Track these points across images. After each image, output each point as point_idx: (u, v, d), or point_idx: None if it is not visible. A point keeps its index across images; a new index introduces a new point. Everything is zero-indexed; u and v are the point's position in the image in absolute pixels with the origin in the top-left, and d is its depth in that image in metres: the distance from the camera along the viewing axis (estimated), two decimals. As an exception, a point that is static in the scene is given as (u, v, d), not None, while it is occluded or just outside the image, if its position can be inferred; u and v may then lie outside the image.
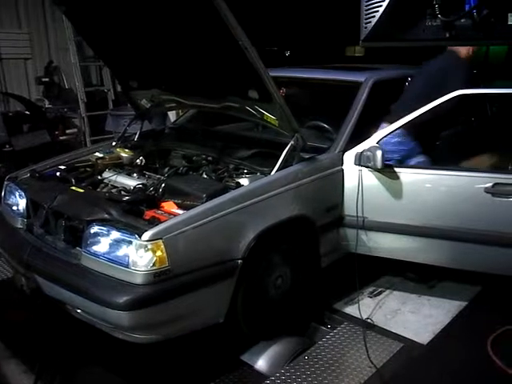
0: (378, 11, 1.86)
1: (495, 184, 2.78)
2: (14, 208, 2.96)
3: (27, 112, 6.14)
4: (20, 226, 2.87)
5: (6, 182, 3.12)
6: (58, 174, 3.02)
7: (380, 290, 3.35)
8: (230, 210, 2.48)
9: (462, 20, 1.69)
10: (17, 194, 2.98)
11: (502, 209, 2.76)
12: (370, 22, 1.89)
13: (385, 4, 1.84)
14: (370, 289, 3.34)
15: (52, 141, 5.89)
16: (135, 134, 3.67)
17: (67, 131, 6.59)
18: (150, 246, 2.22)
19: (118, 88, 7.11)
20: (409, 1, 1.82)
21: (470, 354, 2.71)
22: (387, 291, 3.34)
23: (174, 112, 5.12)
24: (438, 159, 3.22)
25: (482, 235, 2.83)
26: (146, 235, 2.23)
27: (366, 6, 1.89)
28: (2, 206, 3.10)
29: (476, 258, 2.96)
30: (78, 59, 6.70)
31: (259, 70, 2.51)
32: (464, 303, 3.19)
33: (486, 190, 2.79)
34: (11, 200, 3.01)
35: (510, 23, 1.65)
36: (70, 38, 6.56)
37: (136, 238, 2.25)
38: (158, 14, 2.62)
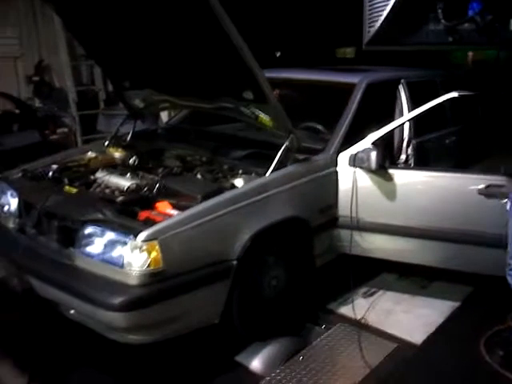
0: (381, 15, 1.87)
1: (488, 186, 2.80)
2: (6, 208, 2.93)
3: (17, 111, 6.08)
4: (12, 226, 2.83)
5: (-3, 182, 3.08)
6: (50, 173, 2.99)
7: (374, 290, 3.36)
8: (225, 210, 2.47)
9: (466, 25, 1.70)
10: (8, 193, 2.95)
11: (495, 210, 2.78)
12: (373, 25, 1.90)
13: (388, 8, 1.85)
14: (364, 289, 3.36)
15: (42, 140, 5.83)
16: (128, 133, 3.64)
17: (58, 131, 6.52)
18: (144, 247, 2.21)
19: (110, 87, 7.07)
20: (412, 5, 1.82)
21: (463, 353, 2.73)
22: (381, 291, 3.36)
23: (166, 112, 5.10)
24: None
25: (476, 236, 2.86)
26: (141, 236, 2.22)
27: (370, 10, 1.90)
28: (-7, 205, 3.06)
29: (468, 258, 2.98)
30: (68, 58, 6.65)
31: (254, 71, 2.51)
32: (457, 303, 3.22)
33: (479, 192, 2.81)
34: (3, 200, 2.98)
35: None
36: (60, 36, 6.51)
37: (131, 239, 2.24)
38: (151, 13, 2.59)
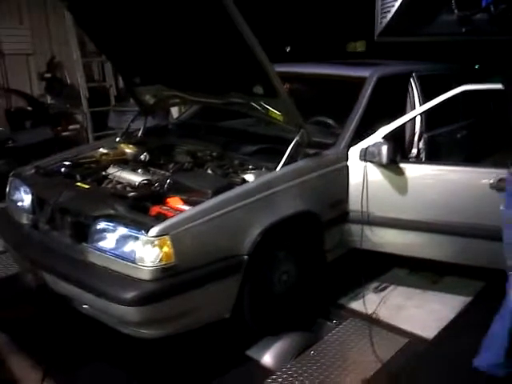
0: (393, 6, 1.85)
1: (500, 179, 2.77)
2: (20, 204, 2.96)
3: (29, 108, 6.13)
4: (25, 222, 2.87)
5: (10, 178, 3.12)
6: (62, 170, 3.02)
7: (385, 285, 3.36)
8: (235, 205, 2.48)
9: (479, 15, 1.67)
10: (22, 189, 2.98)
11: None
12: (385, 16, 1.88)
13: None
14: (375, 284, 3.35)
15: (54, 137, 5.88)
16: (139, 129, 3.66)
17: (69, 127, 6.58)
18: (156, 242, 2.22)
19: (121, 84, 7.10)
20: (425, -5, 1.81)
21: (474, 349, 2.71)
22: (392, 286, 3.35)
23: (176, 108, 5.12)
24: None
25: (487, 230, 2.83)
26: (153, 231, 2.23)
27: (382, 0, 1.88)
28: (7, 201, 3.10)
29: (479, 253, 2.96)
30: (80, 55, 6.69)
31: (264, 65, 2.50)
32: (468, 298, 3.20)
33: (491, 186, 2.79)
34: (16, 196, 3.01)
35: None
36: (71, 33, 6.55)
37: (143, 234, 2.25)
38: (162, 9, 2.60)
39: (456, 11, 1.66)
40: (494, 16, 1.58)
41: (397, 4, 1.82)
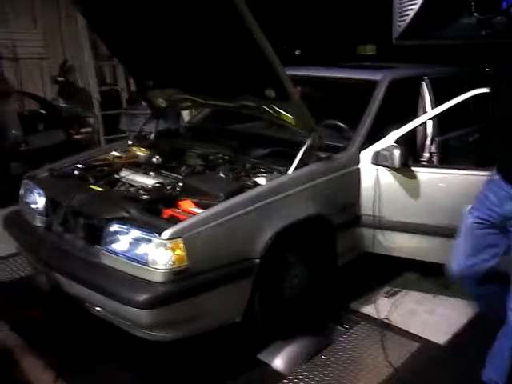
0: (412, 9, 1.84)
1: None
2: (33, 206, 2.99)
3: (42, 111, 6.18)
4: (39, 224, 2.89)
5: (24, 181, 3.15)
6: (75, 172, 3.04)
7: (396, 289, 3.34)
8: (247, 209, 2.48)
9: (498, 18, 1.66)
10: (35, 192, 3.01)
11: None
12: (404, 20, 1.87)
13: (419, 1, 1.82)
14: (386, 288, 3.33)
15: (67, 140, 5.93)
16: (151, 132, 3.69)
17: (82, 130, 6.63)
18: (169, 245, 2.23)
19: (132, 87, 7.14)
20: (443, -1, 1.79)
21: (487, 354, 2.69)
22: (403, 291, 3.33)
23: (187, 111, 5.14)
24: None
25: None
26: (166, 234, 2.24)
27: (400, 3, 1.87)
28: (21, 204, 3.13)
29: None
30: (92, 58, 6.74)
31: (277, 69, 2.51)
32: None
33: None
34: (30, 198, 3.04)
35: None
36: (84, 37, 6.60)
37: (156, 237, 2.27)
38: (175, 13, 2.62)
39: (475, 14, 1.65)
40: (511, 19, 1.57)
41: (415, 7, 1.80)
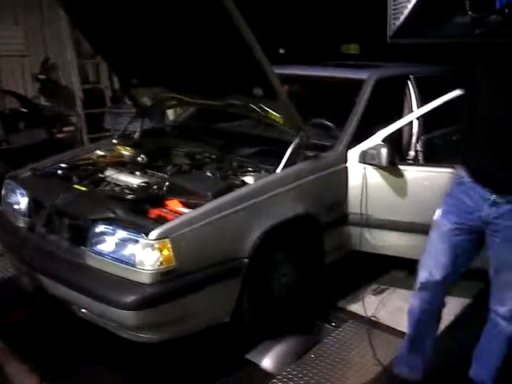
0: (406, 8, 1.83)
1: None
2: (16, 207, 2.93)
3: (24, 109, 6.07)
4: (22, 225, 2.83)
5: (6, 181, 3.08)
6: (59, 172, 2.99)
7: (384, 287, 3.35)
8: (235, 208, 2.46)
9: (493, 16, 1.66)
10: (18, 192, 2.95)
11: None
12: (397, 18, 1.85)
13: (413, 0, 1.82)
14: (374, 286, 3.34)
15: (49, 139, 5.83)
16: (135, 131, 3.64)
17: (64, 129, 6.52)
18: (156, 245, 2.20)
19: (116, 85, 7.05)
20: (438, -3, 1.79)
21: (473, 352, 2.71)
22: (391, 289, 3.34)
23: (171, 110, 5.09)
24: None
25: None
26: (153, 234, 2.21)
27: (394, 1, 1.86)
28: (3, 204, 3.06)
29: (480, 255, 2.95)
30: (74, 56, 6.65)
31: (264, 67, 2.49)
32: (467, 300, 3.20)
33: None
34: (12, 199, 2.98)
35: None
36: (66, 34, 6.51)
37: (143, 237, 2.23)
38: (160, 9, 2.58)
39: (470, 13, 1.64)
40: (507, 18, 1.58)
41: (409, 6, 1.80)
